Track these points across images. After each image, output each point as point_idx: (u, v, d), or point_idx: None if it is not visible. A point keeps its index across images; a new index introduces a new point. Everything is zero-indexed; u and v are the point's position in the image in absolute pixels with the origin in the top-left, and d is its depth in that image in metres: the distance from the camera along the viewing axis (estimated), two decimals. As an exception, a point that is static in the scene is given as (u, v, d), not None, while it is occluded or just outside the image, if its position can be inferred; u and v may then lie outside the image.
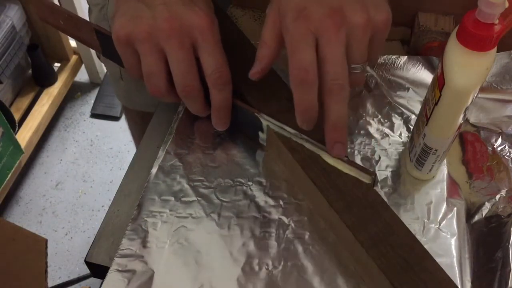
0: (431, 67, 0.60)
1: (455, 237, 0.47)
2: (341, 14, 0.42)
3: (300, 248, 0.47)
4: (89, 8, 0.74)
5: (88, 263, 0.48)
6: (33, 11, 1.36)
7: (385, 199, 0.48)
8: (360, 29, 0.43)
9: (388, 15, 0.44)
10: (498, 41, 0.40)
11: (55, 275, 1.30)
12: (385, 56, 0.60)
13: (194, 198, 0.50)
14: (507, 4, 0.37)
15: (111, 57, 0.57)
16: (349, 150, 0.53)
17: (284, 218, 0.48)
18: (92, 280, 1.18)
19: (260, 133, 0.51)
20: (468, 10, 0.40)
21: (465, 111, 0.44)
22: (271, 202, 0.50)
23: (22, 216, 1.41)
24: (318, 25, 0.42)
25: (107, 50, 0.56)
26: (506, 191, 0.50)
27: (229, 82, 0.48)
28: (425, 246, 0.44)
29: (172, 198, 0.50)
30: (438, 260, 0.43)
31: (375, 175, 0.46)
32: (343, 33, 0.42)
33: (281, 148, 0.49)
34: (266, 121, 0.49)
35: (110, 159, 1.52)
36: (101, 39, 0.55)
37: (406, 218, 0.47)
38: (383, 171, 0.52)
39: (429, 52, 0.61)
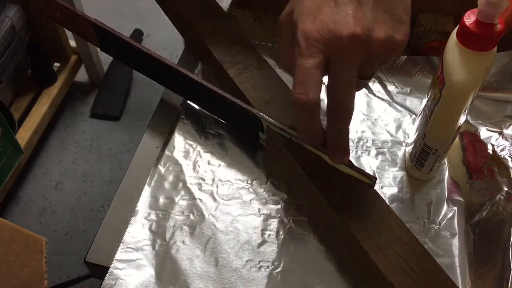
0: (431, 67, 0.59)
1: (455, 237, 0.47)
2: (360, 31, 0.37)
3: (300, 248, 0.47)
4: None
5: (88, 263, 0.48)
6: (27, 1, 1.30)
7: (385, 199, 0.48)
8: (376, 53, 0.38)
9: (407, 35, 0.39)
10: (498, 41, 0.40)
11: (55, 275, 1.29)
12: (385, 56, 0.60)
13: (194, 198, 0.50)
14: (507, 4, 0.37)
15: (110, 52, 0.57)
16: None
17: (284, 218, 0.48)
18: (92, 280, 1.17)
19: (260, 133, 0.51)
20: (468, 10, 0.40)
21: (465, 111, 0.44)
22: (271, 202, 0.50)
23: (22, 216, 1.40)
24: (331, 43, 0.37)
25: (106, 45, 0.55)
26: (506, 191, 0.49)
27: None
28: (425, 246, 0.44)
29: (172, 198, 0.50)
30: (438, 260, 0.43)
31: (376, 179, 0.46)
32: (359, 57, 0.38)
33: (281, 148, 0.49)
34: (266, 121, 0.49)
35: (110, 159, 1.52)
36: (100, 34, 0.54)
37: (406, 218, 0.47)
38: (383, 171, 0.52)
39: (429, 52, 0.61)
